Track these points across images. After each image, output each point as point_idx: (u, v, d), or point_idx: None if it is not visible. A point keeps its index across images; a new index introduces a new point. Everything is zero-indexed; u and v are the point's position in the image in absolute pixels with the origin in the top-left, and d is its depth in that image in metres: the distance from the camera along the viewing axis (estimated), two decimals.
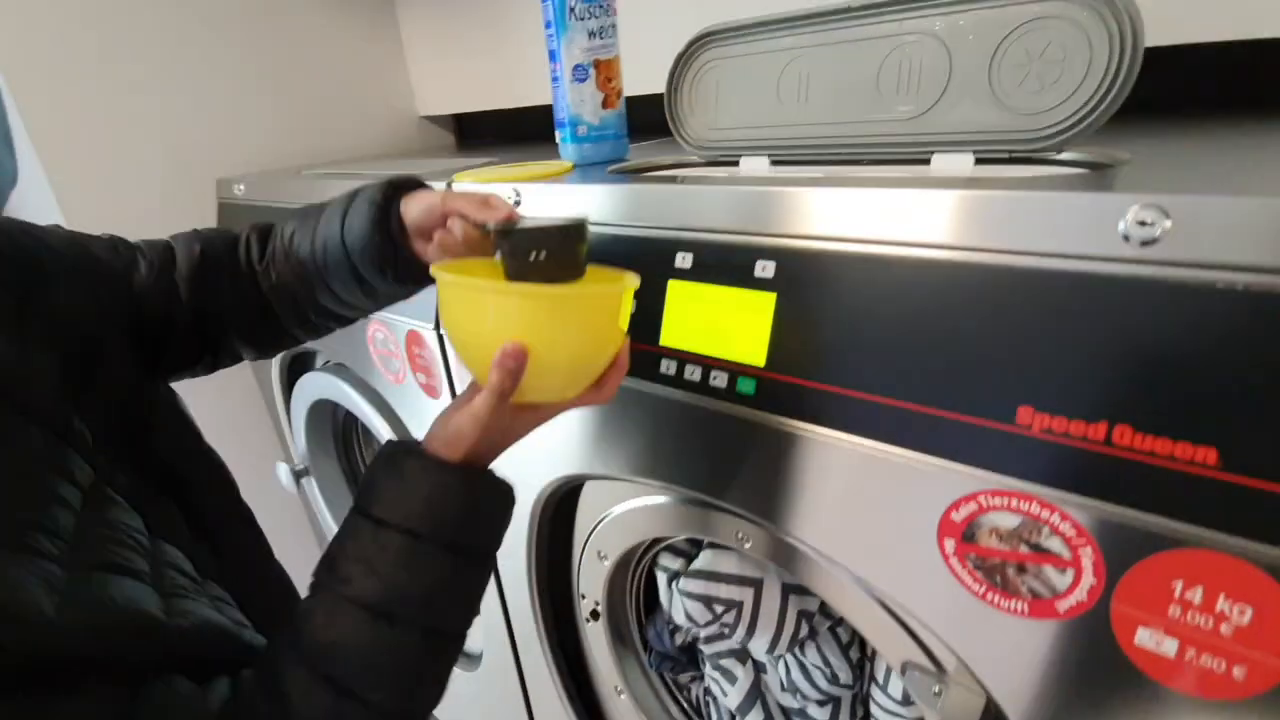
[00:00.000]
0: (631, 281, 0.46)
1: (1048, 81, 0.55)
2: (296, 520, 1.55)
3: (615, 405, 0.63)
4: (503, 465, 0.46)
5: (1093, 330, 0.38)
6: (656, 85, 0.76)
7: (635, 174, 0.79)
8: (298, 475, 1.32)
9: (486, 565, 0.46)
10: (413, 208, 0.53)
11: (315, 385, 1.17)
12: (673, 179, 0.60)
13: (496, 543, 0.46)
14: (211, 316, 0.57)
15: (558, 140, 0.81)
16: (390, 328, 0.88)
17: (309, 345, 1.15)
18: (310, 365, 1.21)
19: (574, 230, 0.46)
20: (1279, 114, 0.71)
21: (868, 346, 0.46)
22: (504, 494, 0.47)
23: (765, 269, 0.51)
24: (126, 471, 0.43)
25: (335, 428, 1.34)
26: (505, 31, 1.33)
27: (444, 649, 0.44)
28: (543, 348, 0.41)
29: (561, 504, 0.81)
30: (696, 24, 0.86)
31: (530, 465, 0.76)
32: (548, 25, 0.75)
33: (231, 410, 1.40)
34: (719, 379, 0.54)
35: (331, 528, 1.38)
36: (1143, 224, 0.36)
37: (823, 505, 0.51)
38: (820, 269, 0.48)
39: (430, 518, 0.42)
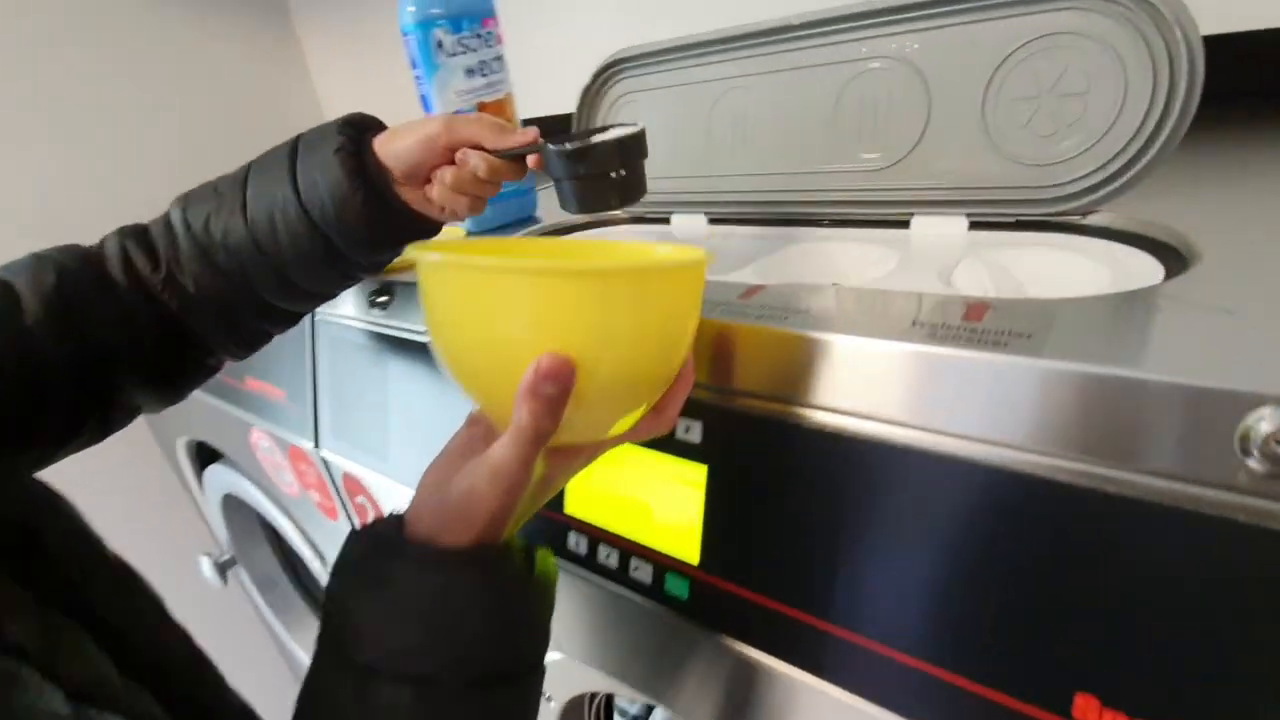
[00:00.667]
0: (697, 252, 0.30)
1: (1065, 121, 0.40)
2: (241, 617, 1.40)
3: None
4: None
5: (1188, 595, 0.23)
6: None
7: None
8: (222, 567, 1.17)
9: (536, 679, 0.33)
10: (400, 144, 0.40)
11: (222, 479, 1.02)
12: None
13: (545, 643, 0.32)
14: (93, 362, 0.41)
15: None
16: (273, 438, 0.73)
17: (210, 438, 1.00)
18: (218, 454, 1.06)
19: (640, 141, 0.38)
20: None
21: (842, 562, 0.31)
22: (546, 575, 0.32)
23: (690, 430, 0.36)
24: (22, 614, 0.28)
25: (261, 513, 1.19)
26: None
27: None
28: (599, 355, 0.26)
29: None
30: (615, 30, 0.70)
31: None
32: (413, 65, 0.59)
33: (144, 500, 1.24)
34: (641, 571, 0.40)
35: (272, 621, 1.24)
36: None
37: None
38: (766, 441, 0.33)
39: (445, 648, 0.28)
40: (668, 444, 0.37)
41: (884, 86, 0.45)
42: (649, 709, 0.68)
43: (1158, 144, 0.37)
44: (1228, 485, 0.22)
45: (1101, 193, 0.39)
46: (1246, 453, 0.22)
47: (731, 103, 0.52)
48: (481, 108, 0.60)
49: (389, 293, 0.52)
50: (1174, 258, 0.36)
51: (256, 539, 1.21)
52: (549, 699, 0.69)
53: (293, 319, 0.48)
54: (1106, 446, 0.24)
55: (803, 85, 0.49)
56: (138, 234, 0.43)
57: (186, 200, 0.43)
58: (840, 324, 0.31)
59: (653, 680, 0.44)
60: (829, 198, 0.50)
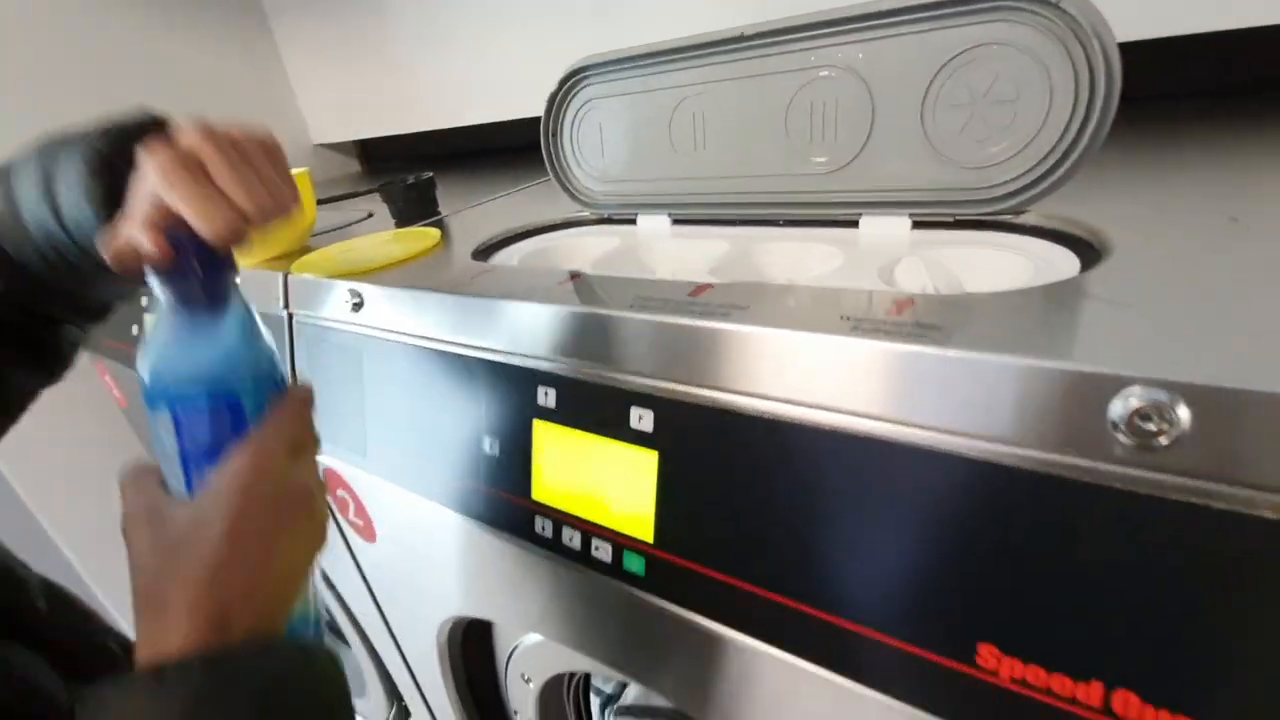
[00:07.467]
0: None
1: (996, 127, 0.43)
2: None
3: (498, 554, 0.50)
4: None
5: (1070, 555, 0.26)
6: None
7: (516, 240, 0.66)
8: None
9: None
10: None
11: None
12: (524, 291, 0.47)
13: None
14: None
15: None
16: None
17: None
18: None
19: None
20: (1269, 105, 0.60)
21: (780, 537, 0.34)
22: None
23: (642, 419, 0.38)
24: None
25: None
26: (395, 53, 1.16)
27: None
28: None
29: (475, 623, 0.69)
30: (581, 41, 0.72)
31: (424, 602, 0.64)
32: None
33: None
34: (602, 550, 0.42)
35: None
36: (1145, 419, 0.24)
37: (753, 716, 0.40)
38: (711, 428, 0.36)
39: None
40: (621, 431, 0.39)
41: (831, 94, 0.48)
42: (623, 687, 0.70)
43: (1080, 147, 0.40)
44: (1106, 457, 0.25)
45: (1030, 193, 0.42)
46: (1117, 429, 0.25)
47: (690, 109, 0.55)
48: None
49: (361, 296, 0.54)
50: (1090, 253, 0.39)
51: None
52: (528, 680, 0.72)
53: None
54: (1000, 425, 0.27)
55: (756, 92, 0.51)
56: None
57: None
58: (775, 319, 0.33)
59: (619, 655, 0.47)
60: (783, 199, 0.53)
